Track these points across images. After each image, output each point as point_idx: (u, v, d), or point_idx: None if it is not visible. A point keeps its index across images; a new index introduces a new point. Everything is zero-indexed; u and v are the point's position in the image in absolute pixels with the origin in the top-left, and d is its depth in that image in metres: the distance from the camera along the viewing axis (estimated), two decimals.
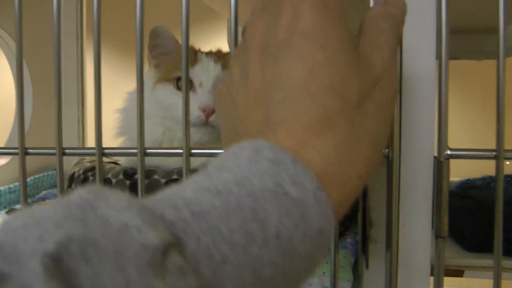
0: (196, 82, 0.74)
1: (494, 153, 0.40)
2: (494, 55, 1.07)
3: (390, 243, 0.38)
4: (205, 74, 0.74)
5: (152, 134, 0.75)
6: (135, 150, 0.43)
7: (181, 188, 0.24)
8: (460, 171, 0.95)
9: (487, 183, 0.91)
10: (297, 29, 0.30)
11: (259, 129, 0.29)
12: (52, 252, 0.18)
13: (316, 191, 0.25)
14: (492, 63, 1.01)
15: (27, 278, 0.17)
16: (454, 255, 0.76)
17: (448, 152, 0.40)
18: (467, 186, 0.91)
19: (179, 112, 0.72)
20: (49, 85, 0.95)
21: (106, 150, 0.45)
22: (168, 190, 0.24)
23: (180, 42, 0.80)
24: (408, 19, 0.41)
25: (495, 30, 1.05)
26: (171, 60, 0.77)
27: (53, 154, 0.47)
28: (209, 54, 0.77)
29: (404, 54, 0.41)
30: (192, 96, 0.73)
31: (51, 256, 0.18)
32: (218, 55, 0.77)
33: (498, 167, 0.40)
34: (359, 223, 0.38)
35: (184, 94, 0.41)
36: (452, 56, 1.00)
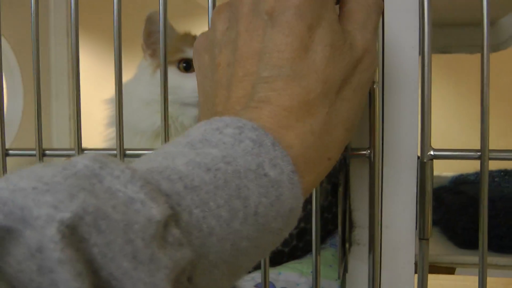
0: None
1: (479, 153, 0.39)
2: (489, 49, 1.06)
3: (373, 245, 0.37)
4: None
5: (152, 122, 0.75)
6: (114, 151, 0.43)
7: (169, 158, 0.25)
8: (453, 166, 0.95)
9: (480, 178, 0.90)
10: (288, 0, 0.30)
11: (243, 103, 0.29)
12: (69, 221, 0.19)
13: (291, 174, 0.27)
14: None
15: (41, 241, 0.18)
16: (446, 252, 0.75)
17: (432, 152, 0.39)
18: (459, 181, 0.91)
19: (185, 93, 0.73)
20: (41, 81, 0.94)
21: (86, 151, 0.45)
22: (157, 159, 0.25)
23: (174, 28, 0.79)
24: (389, 14, 0.40)
25: (490, 24, 1.04)
26: (169, 44, 0.76)
27: (34, 155, 0.46)
28: None
29: (386, 52, 0.40)
30: (193, 77, 0.73)
31: (67, 225, 0.19)
32: None
33: (483, 168, 0.40)
34: (339, 226, 0.37)
35: (162, 97, 0.41)
36: (445, 50, 0.99)
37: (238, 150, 0.26)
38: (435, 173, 1.07)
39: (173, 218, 0.22)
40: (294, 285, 0.58)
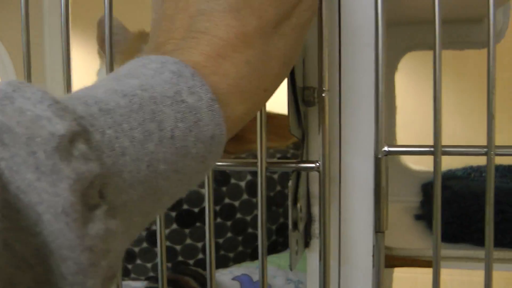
0: None
1: (432, 149, 0.40)
2: (478, 45, 1.06)
3: (324, 240, 0.39)
4: None
5: None
6: None
7: (92, 88, 0.26)
8: (446, 161, 0.96)
9: (467, 174, 0.91)
10: None
11: (182, 33, 0.31)
12: None
13: (210, 102, 0.28)
14: (475, 52, 1.01)
15: None
16: (428, 246, 0.76)
17: (386, 148, 0.40)
18: (447, 177, 0.91)
19: None
20: (36, 82, 0.96)
21: None
22: (81, 90, 0.27)
23: (127, 28, 0.78)
24: (345, 12, 0.41)
25: (477, 20, 1.03)
26: (125, 46, 0.75)
27: None
28: None
29: (342, 53, 0.41)
30: None
31: None
32: None
33: (436, 164, 0.41)
34: (290, 219, 0.39)
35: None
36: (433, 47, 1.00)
37: (157, 80, 0.27)
38: (424, 168, 1.07)
39: (82, 136, 0.23)
40: (271, 277, 0.59)
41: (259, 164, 0.39)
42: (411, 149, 0.42)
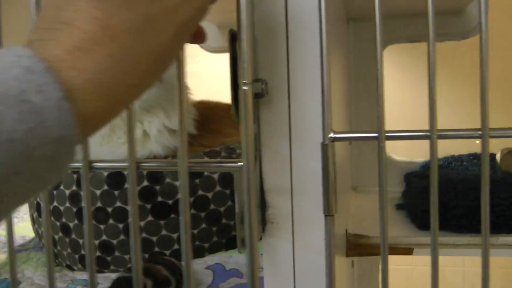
0: None
1: (376, 134, 0.42)
2: (457, 36, 1.06)
3: (250, 239, 0.38)
4: None
5: None
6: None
7: None
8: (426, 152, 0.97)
9: (448, 163, 0.92)
10: None
11: (47, 25, 0.30)
12: None
13: (59, 101, 0.27)
14: (456, 44, 1.01)
15: None
16: (406, 234, 0.77)
17: (332, 135, 0.42)
18: (428, 166, 0.93)
19: None
20: None
21: None
22: None
23: None
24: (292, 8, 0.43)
25: (456, 12, 1.04)
26: None
27: None
28: None
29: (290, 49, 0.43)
30: None
31: None
32: None
33: (380, 148, 0.42)
34: (237, 207, 0.40)
35: None
36: (414, 39, 1.01)
37: (6, 77, 0.26)
38: (408, 158, 1.08)
39: None
40: (243, 266, 0.61)
41: (180, 164, 0.39)
42: (356, 135, 0.44)
